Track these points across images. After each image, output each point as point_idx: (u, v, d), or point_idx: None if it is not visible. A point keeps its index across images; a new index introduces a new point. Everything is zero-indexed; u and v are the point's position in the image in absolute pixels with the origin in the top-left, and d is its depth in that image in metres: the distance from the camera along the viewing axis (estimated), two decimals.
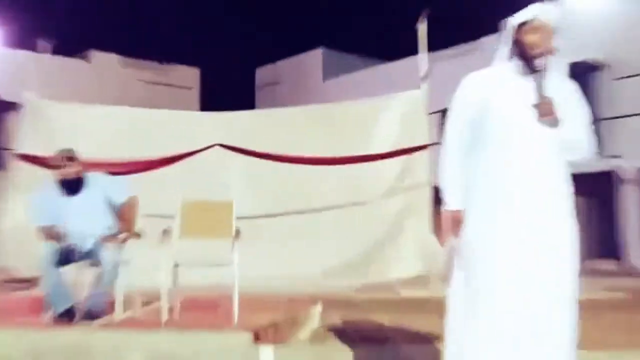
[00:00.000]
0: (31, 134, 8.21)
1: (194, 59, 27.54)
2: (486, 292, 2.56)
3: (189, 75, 27.22)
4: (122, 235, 4.77)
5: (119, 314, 4.78)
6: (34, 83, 8.56)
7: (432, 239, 7.98)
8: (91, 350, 3.91)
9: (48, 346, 3.95)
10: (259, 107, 25.94)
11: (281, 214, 8.23)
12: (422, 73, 8.35)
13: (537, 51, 2.62)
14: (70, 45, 21.43)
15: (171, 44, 28.19)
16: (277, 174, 8.35)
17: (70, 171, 4.83)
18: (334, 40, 28.57)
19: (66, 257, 4.71)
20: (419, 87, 8.40)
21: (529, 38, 2.63)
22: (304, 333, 4.34)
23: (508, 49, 2.71)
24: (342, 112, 8.96)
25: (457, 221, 2.67)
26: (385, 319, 5.11)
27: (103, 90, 22.54)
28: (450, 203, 2.72)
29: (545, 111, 2.57)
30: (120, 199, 4.93)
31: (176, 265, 4.96)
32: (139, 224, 5.07)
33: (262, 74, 29.71)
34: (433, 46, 8.62)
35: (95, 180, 4.96)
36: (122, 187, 5.03)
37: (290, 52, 28.04)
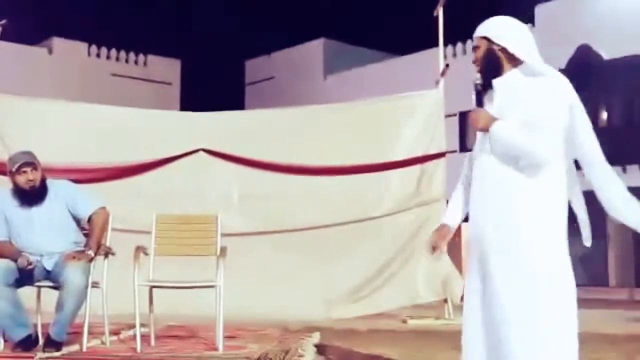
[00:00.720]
0: None
1: (174, 50, 27.62)
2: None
3: (169, 68, 27.37)
4: (89, 252, 4.83)
5: (86, 343, 4.86)
6: None
7: (447, 261, 8.08)
8: None
9: None
10: (249, 106, 26.12)
11: (275, 231, 8.30)
12: (440, 69, 8.45)
13: (476, 68, 3.11)
14: (29, 31, 21.53)
15: (148, 31, 28.31)
16: (271, 185, 8.39)
17: (30, 179, 4.87)
18: (336, 30, 28.65)
19: (24, 277, 4.78)
20: (434, 86, 8.50)
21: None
22: None
23: None
24: (347, 113, 9.03)
25: (441, 235, 3.27)
26: (391, 352, 5.21)
27: (67, 84, 22.66)
28: (443, 218, 3.34)
29: (472, 122, 3.04)
30: (87, 210, 4.98)
31: (152, 288, 5.06)
32: (109, 240, 5.17)
33: (254, 67, 29.87)
34: (446, 39, 8.77)
35: (59, 190, 5.00)
36: (89, 198, 5.09)
37: (286, 43, 28.22)
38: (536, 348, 2.89)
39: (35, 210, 4.90)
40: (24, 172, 4.86)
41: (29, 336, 4.69)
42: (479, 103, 3.06)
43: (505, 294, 2.93)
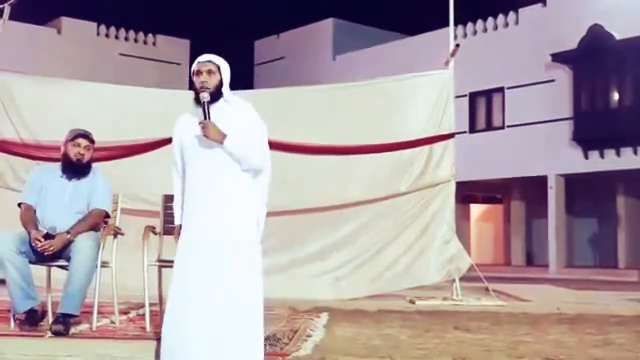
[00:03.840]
0: None
1: (183, 30, 27.55)
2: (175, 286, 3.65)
3: (178, 49, 27.35)
4: (68, 236, 4.78)
5: (96, 322, 4.89)
6: None
7: (456, 241, 8.08)
8: None
9: (11, 359, 4.05)
10: (258, 87, 26.06)
11: (283, 212, 8.30)
12: (450, 49, 8.39)
13: (199, 88, 3.85)
14: (38, 10, 21.50)
15: (157, 11, 28.25)
16: (279, 165, 8.33)
17: (81, 152, 5.00)
18: (346, 10, 28.52)
19: (35, 250, 4.75)
20: (444, 66, 8.45)
21: (194, 80, 3.91)
22: (306, 347, 4.46)
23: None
24: (357, 93, 8.99)
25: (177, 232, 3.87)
26: (399, 332, 5.23)
27: (75, 64, 22.64)
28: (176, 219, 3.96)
29: (204, 131, 3.73)
30: (95, 204, 5.00)
31: (161, 267, 5.08)
32: (119, 220, 5.21)
33: (263, 47, 29.81)
34: (456, 19, 8.70)
35: (96, 176, 5.10)
36: (107, 198, 5.10)
37: (295, 23, 28.12)
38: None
39: (72, 184, 5.01)
40: (78, 144, 5.02)
41: (34, 310, 4.72)
42: (207, 116, 3.76)
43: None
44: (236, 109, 3.93)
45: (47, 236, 4.78)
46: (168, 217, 5.38)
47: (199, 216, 3.70)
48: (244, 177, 3.85)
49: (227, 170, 3.77)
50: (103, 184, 5.12)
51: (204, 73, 3.90)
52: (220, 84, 3.93)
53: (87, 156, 5.05)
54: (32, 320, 4.70)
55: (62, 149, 5.10)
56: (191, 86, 4.02)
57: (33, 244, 4.75)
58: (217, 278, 3.56)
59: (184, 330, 3.52)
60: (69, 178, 5.03)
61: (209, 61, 3.96)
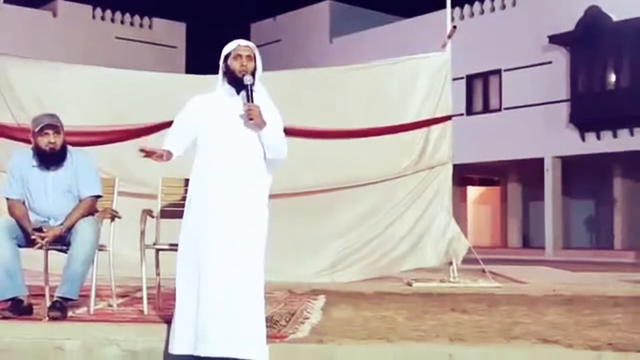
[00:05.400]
0: None
1: (179, 13, 27.43)
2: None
3: (174, 32, 27.25)
4: (61, 228, 4.71)
5: (93, 306, 4.90)
6: None
7: (454, 224, 8.09)
8: (62, 347, 4.04)
9: (8, 342, 4.07)
10: None
11: (280, 194, 8.29)
12: (447, 31, 8.37)
13: (238, 71, 3.91)
14: None
15: None
16: None
17: (51, 141, 4.83)
18: None
19: (29, 237, 4.72)
20: (441, 49, 8.43)
21: (232, 63, 3.96)
22: (303, 329, 4.47)
23: (221, 76, 4.03)
24: (354, 76, 8.95)
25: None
26: (397, 314, 5.25)
27: (71, 48, 22.57)
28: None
29: (250, 113, 3.78)
30: (84, 192, 4.92)
31: (158, 250, 5.09)
32: (116, 203, 5.20)
33: (259, 30, 29.70)
34: (454, 1, 8.67)
35: (77, 158, 4.97)
36: (94, 182, 4.98)
37: (292, 5, 28.02)
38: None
39: (51, 174, 4.89)
40: (46, 134, 4.83)
41: (20, 300, 4.63)
42: (251, 99, 3.81)
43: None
44: (262, 98, 3.96)
45: (40, 229, 4.71)
46: (166, 200, 5.41)
47: (217, 197, 3.78)
48: (263, 165, 3.94)
49: (253, 156, 3.86)
50: (85, 167, 4.97)
51: (244, 57, 3.94)
52: (254, 71, 3.96)
53: (59, 142, 4.87)
54: (15, 310, 4.59)
55: (32, 140, 4.92)
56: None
57: (33, 235, 4.70)
58: (231, 250, 3.75)
59: (199, 299, 3.65)
60: (47, 168, 4.89)
61: (249, 47, 4.01)
